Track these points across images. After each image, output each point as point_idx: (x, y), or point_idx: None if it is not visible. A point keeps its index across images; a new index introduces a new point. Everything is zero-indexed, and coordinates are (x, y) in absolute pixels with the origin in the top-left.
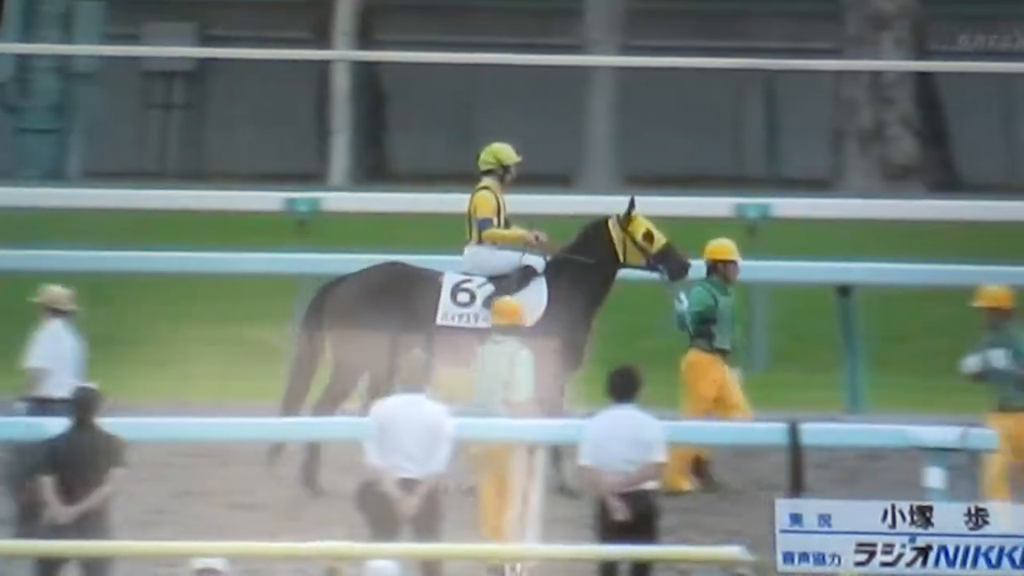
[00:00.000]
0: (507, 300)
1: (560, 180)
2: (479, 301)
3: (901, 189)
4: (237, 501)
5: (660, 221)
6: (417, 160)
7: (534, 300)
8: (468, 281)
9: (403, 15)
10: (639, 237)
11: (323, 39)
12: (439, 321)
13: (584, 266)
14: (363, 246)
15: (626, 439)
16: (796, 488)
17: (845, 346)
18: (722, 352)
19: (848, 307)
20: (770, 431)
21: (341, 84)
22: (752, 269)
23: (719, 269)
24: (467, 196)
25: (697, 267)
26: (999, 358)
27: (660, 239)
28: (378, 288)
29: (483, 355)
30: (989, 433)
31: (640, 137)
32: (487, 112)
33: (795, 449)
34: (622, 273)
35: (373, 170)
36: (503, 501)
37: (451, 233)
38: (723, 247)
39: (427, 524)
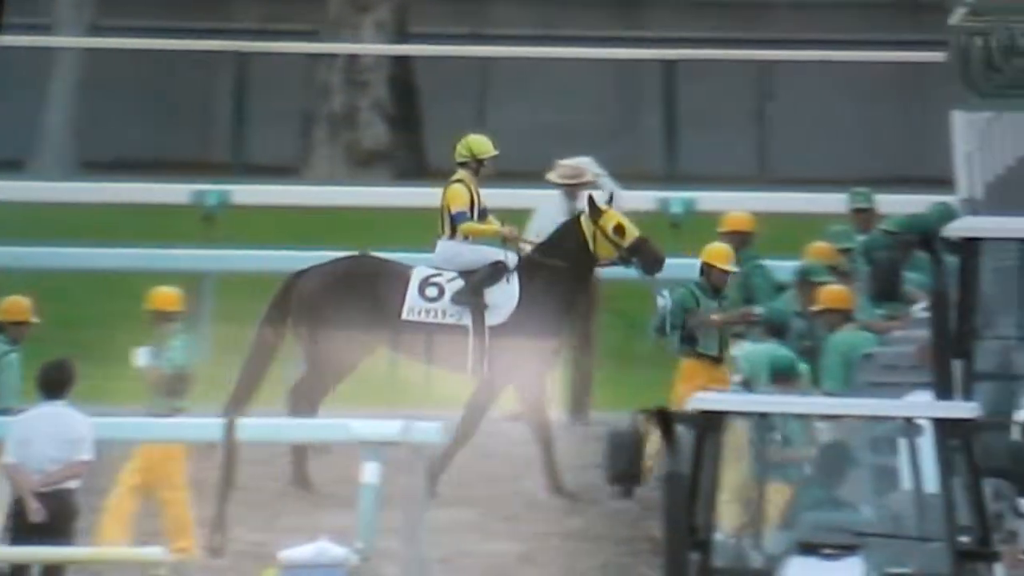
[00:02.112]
0: (16, 299)
1: (12, 165)
2: (447, 296)
3: (368, 176)
4: None
5: (117, 209)
6: None
7: (505, 297)
8: (438, 275)
9: None
10: (610, 230)
11: None
12: (404, 316)
13: (557, 267)
14: None
15: (52, 437)
16: (227, 485)
17: None
18: (709, 358)
19: None
20: (206, 427)
21: None
22: (206, 259)
23: (710, 273)
24: None
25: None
26: None
27: (632, 232)
28: (344, 281)
29: None
30: (432, 427)
31: (102, 121)
32: None
33: (229, 444)
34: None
35: None
36: None
37: None
38: (720, 253)
39: None
